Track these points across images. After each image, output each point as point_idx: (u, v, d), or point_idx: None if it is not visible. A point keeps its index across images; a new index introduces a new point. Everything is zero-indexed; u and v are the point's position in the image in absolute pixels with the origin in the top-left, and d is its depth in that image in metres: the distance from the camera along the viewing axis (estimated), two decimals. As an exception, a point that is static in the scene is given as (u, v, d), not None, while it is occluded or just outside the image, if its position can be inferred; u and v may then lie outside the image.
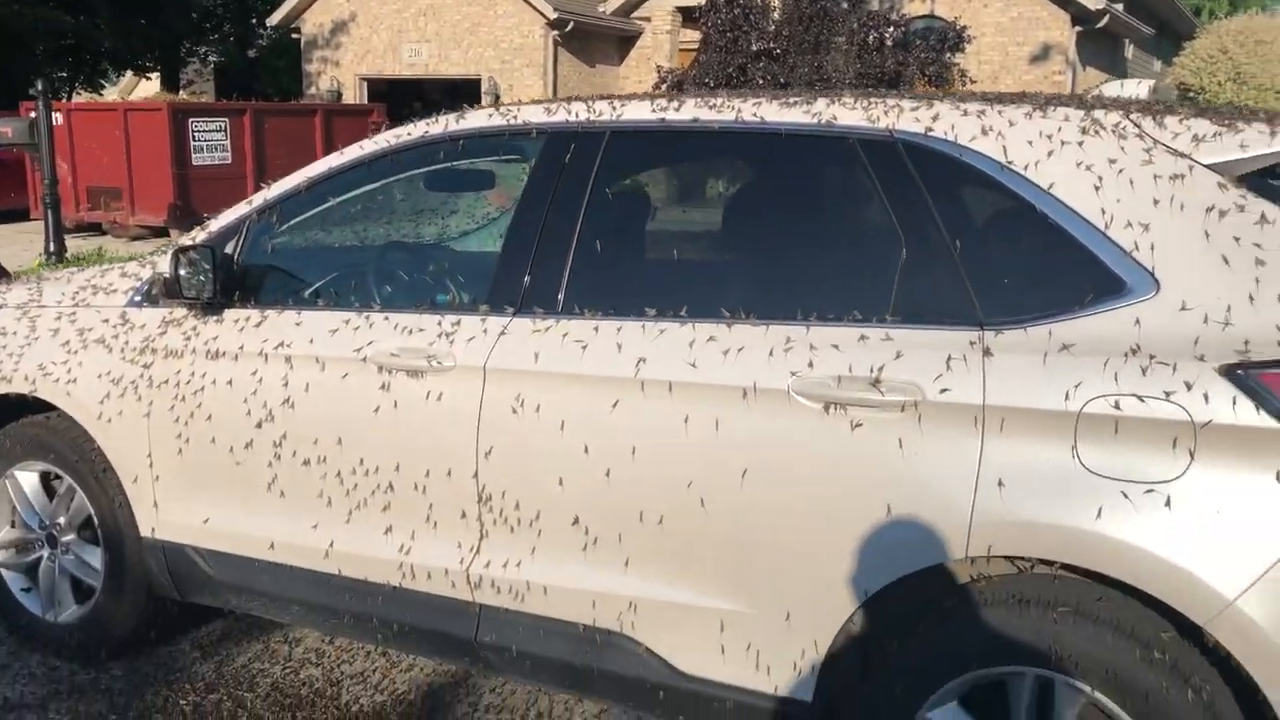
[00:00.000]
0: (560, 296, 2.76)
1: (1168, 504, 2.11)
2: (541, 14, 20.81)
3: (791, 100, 2.65)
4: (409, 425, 2.87)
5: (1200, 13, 34.12)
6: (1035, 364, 2.24)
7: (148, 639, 3.61)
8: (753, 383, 2.47)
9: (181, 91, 31.08)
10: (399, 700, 3.38)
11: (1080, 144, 2.35)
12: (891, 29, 12.87)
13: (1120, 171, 2.30)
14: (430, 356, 2.83)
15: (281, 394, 3.04)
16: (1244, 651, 2.06)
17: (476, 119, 3.03)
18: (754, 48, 12.13)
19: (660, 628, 2.64)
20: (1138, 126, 2.34)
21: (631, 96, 2.88)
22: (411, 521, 2.91)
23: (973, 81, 14.92)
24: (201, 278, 3.08)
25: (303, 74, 24.26)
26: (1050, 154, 2.36)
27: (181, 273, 3.06)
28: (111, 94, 33.76)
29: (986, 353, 2.29)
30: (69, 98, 27.44)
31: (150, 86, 30.77)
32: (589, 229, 2.77)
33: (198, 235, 3.31)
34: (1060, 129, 2.38)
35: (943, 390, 2.30)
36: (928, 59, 12.67)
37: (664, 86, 13.39)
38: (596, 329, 2.67)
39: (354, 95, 23.36)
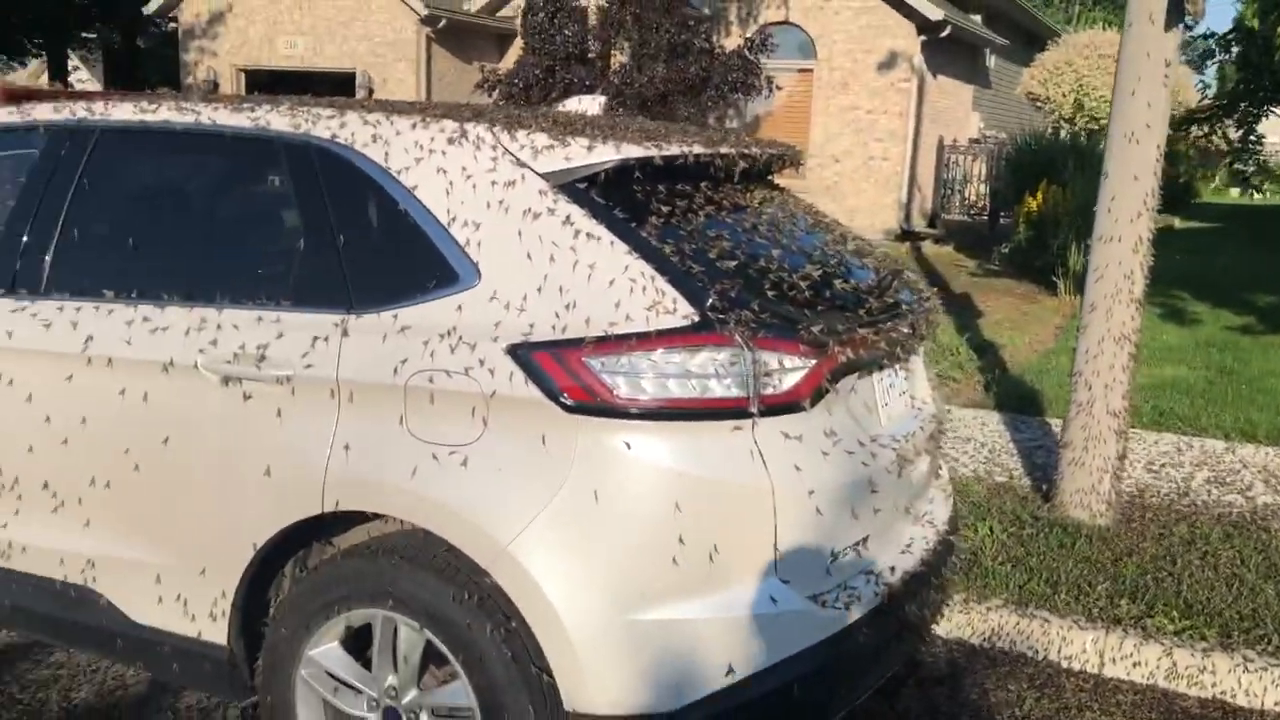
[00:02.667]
0: (44, 279, 3.02)
1: (464, 464, 2.44)
2: (413, 10, 20.90)
3: (242, 105, 2.94)
4: (-86, 397, 3.11)
5: (1073, 22, 35.22)
6: (377, 343, 2.56)
7: None
8: (170, 358, 2.76)
9: (71, 77, 30.70)
10: (-35, 658, 3.62)
11: (444, 152, 2.67)
12: (703, 37, 13.29)
13: (469, 177, 2.62)
14: None
15: None
16: (514, 590, 2.40)
17: (-1, 116, 3.28)
18: (562, 51, 12.51)
19: (115, 581, 2.92)
20: (495, 138, 2.67)
21: (128, 97, 3.15)
22: (-77, 486, 3.15)
23: (779, 88, 15.38)
24: None
25: (180, 64, 24.04)
26: (419, 160, 2.67)
27: None
28: (20, 79, 33.34)
29: (345, 333, 2.60)
30: (-56, 80, 26.92)
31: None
32: (73, 217, 3.04)
33: None
34: (433, 139, 2.69)
35: (307, 366, 2.61)
36: (732, 64, 13.09)
37: (485, 85, 13.70)
38: (61, 309, 2.94)
39: (231, 86, 23.21)
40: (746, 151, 2.98)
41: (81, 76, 35.74)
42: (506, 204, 2.57)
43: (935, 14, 17.12)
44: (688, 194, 2.76)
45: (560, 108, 3.39)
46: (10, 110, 3.25)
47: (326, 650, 2.67)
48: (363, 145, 2.75)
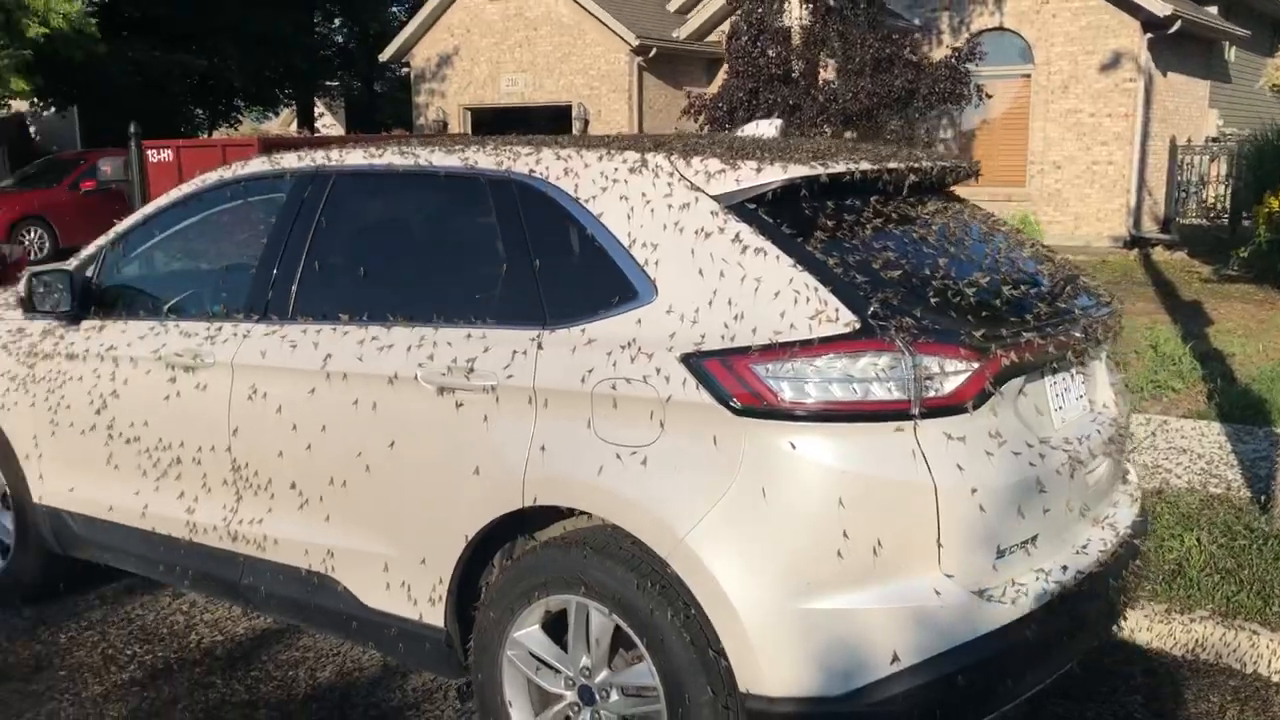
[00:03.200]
0: (290, 306, 3.47)
1: (644, 463, 2.68)
2: (625, 41, 21.62)
3: (454, 147, 3.31)
4: (188, 409, 3.63)
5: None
6: (567, 355, 2.83)
7: (57, 590, 4.47)
8: (395, 372, 3.13)
9: (316, 123, 33.47)
10: (230, 639, 4.14)
11: (626, 181, 2.92)
12: (908, 49, 13.17)
13: (648, 202, 2.87)
14: (198, 355, 3.59)
15: (110, 386, 3.85)
16: (691, 579, 2.61)
17: (254, 165, 3.78)
18: (766, 73, 12.68)
19: (350, 569, 3.32)
20: (671, 165, 2.90)
21: (360, 143, 3.58)
22: (194, 487, 3.67)
23: (989, 96, 14.95)
24: (57, 295, 3.92)
25: (412, 105, 25.71)
26: (604, 189, 2.94)
27: (36, 291, 3.91)
28: (273, 127, 36.66)
29: (540, 347, 2.89)
30: (209, 133, 29.89)
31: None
32: (314, 252, 3.48)
33: (72, 261, 4.17)
34: (616, 169, 2.95)
35: (509, 376, 2.92)
36: (939, 75, 12.87)
37: (690, 110, 14.05)
38: (304, 331, 3.37)
39: (458, 125, 24.64)
40: (916, 166, 3.09)
41: (326, 122, 38.80)
42: (681, 225, 2.80)
43: (1162, 9, 16.30)
44: (855, 208, 2.91)
45: (738, 132, 3.60)
46: (264, 160, 3.75)
47: (529, 633, 2.96)
48: (556, 178, 3.04)
